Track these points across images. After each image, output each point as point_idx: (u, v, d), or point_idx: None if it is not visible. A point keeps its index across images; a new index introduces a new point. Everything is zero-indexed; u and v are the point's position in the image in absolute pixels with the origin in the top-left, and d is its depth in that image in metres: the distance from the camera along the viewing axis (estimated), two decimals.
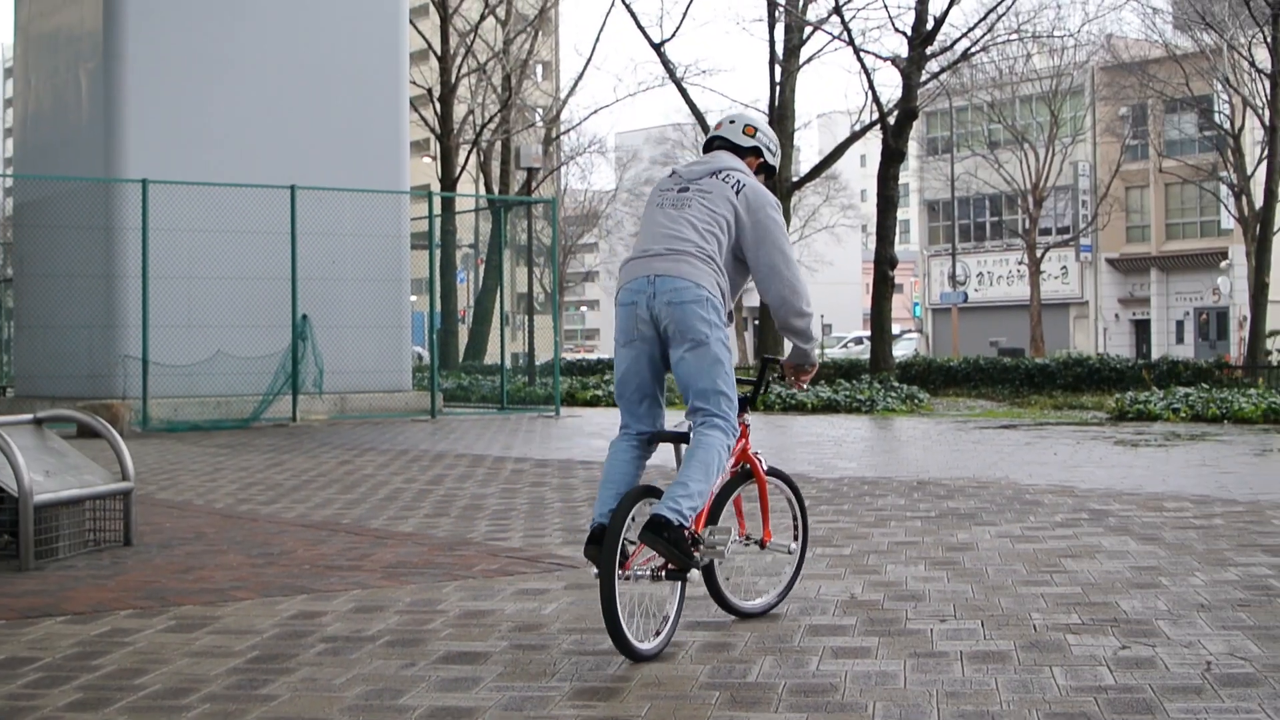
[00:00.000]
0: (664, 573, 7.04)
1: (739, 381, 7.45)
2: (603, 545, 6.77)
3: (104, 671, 6.85)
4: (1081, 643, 7.06)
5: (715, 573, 7.54)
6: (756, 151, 7.71)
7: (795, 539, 7.96)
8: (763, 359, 8.03)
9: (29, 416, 11.28)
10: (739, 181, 7.38)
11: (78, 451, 11.43)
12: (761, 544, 7.71)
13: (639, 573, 6.97)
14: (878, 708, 5.98)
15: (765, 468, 7.73)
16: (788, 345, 7.60)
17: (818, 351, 7.87)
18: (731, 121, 7.74)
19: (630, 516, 6.91)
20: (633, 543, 6.94)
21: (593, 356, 45.65)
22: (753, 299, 64.50)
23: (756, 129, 7.74)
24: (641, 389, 7.29)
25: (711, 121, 53.52)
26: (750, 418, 7.63)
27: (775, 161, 7.82)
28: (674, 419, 7.42)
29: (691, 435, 7.23)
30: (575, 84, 62.43)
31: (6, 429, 10.34)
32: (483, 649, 7.18)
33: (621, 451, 7.32)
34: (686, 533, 6.85)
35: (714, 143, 7.69)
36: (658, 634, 7.04)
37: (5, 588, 9.22)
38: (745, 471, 7.64)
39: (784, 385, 30.03)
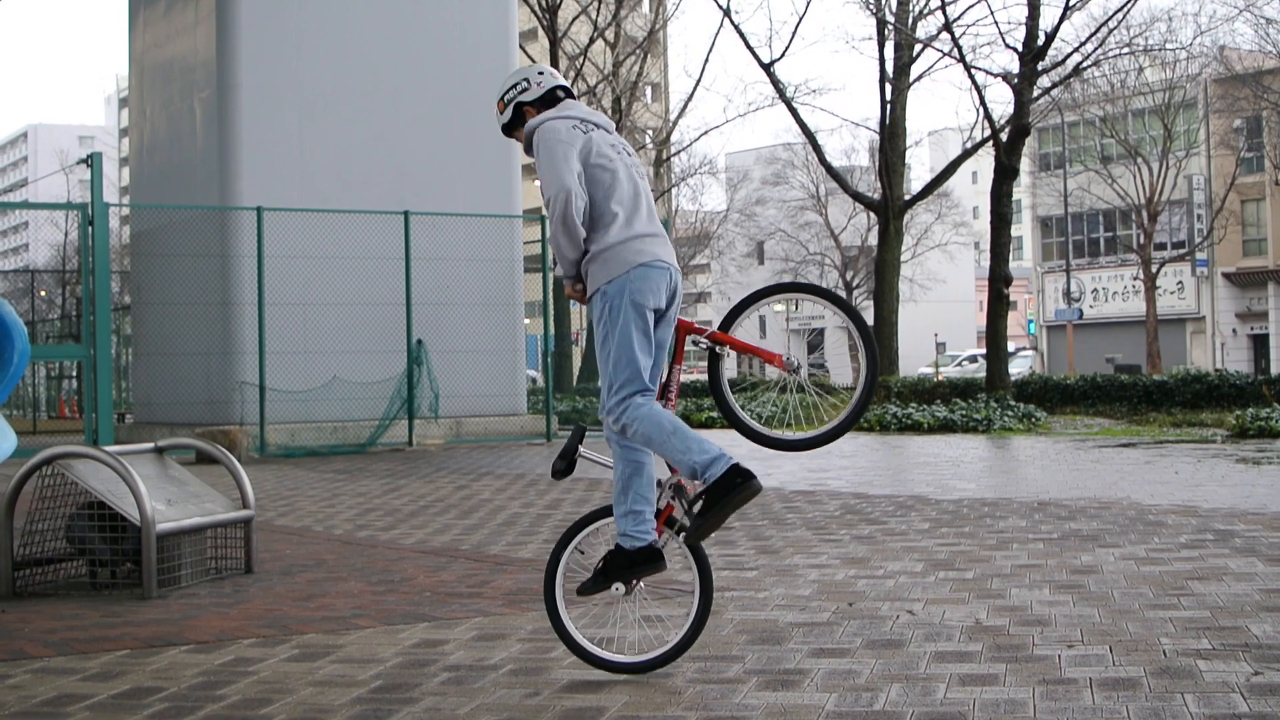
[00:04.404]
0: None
1: None
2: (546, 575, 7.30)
3: (229, 702, 6.87)
4: (1213, 668, 6.94)
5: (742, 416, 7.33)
6: None
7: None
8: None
9: (150, 445, 11.37)
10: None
11: (198, 479, 11.49)
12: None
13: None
14: None
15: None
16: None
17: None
18: (553, 73, 7.52)
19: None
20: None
21: (706, 377, 45.61)
22: None
23: None
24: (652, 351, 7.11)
25: (822, 140, 53.46)
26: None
27: None
28: None
29: (645, 404, 7.07)
30: (685, 105, 62.41)
31: (128, 458, 10.40)
32: (606, 677, 7.14)
33: (656, 405, 7.05)
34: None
35: (561, 92, 7.43)
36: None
37: (129, 616, 9.28)
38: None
39: None
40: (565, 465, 7.24)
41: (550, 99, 7.39)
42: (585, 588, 7.15)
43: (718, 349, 7.21)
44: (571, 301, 61.09)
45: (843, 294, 47.31)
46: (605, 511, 7.25)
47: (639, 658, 7.15)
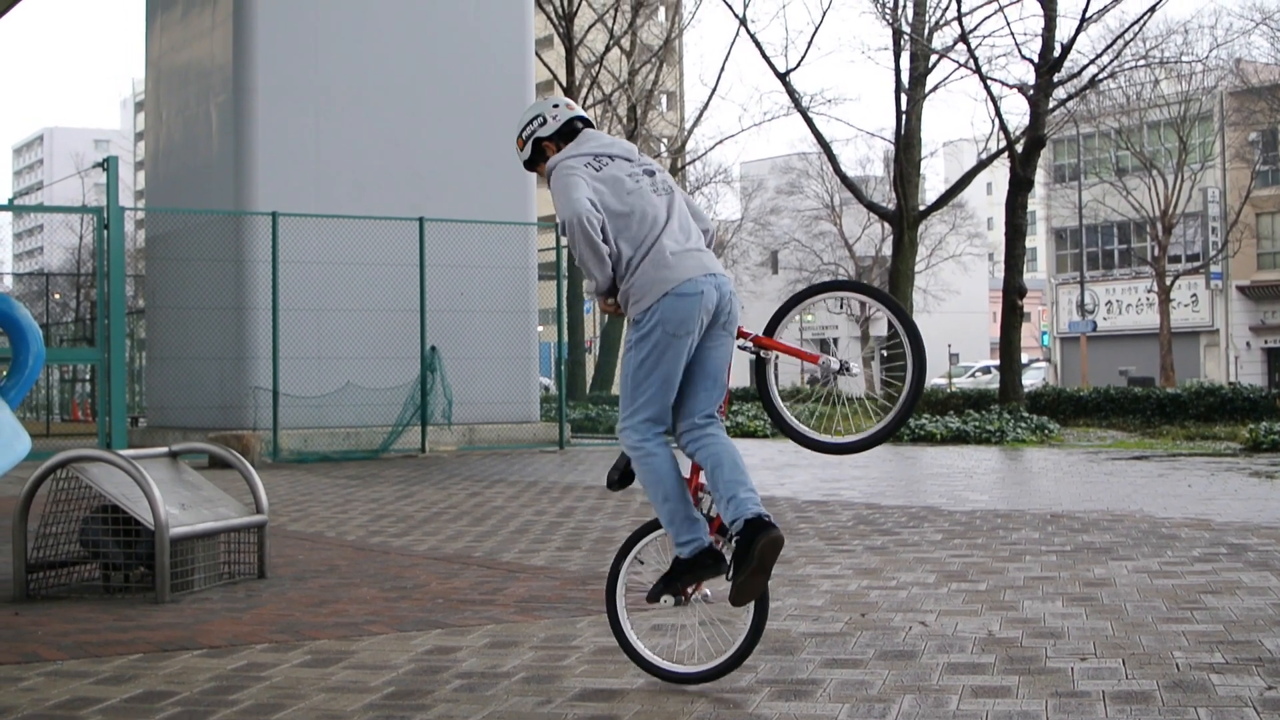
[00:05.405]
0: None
1: None
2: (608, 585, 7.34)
3: (241, 707, 6.87)
4: (1226, 683, 6.94)
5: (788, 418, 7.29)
6: None
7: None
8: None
9: (164, 450, 11.38)
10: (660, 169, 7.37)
11: (212, 484, 11.51)
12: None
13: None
14: None
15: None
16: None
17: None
18: (569, 105, 7.45)
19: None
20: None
21: (731, 385, 45.67)
22: None
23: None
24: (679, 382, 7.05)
25: (837, 150, 53.40)
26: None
27: None
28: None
29: (714, 438, 7.02)
30: (700, 114, 62.28)
31: (142, 462, 10.41)
32: (619, 686, 7.15)
33: (675, 463, 7.06)
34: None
35: (579, 123, 7.39)
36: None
37: (142, 620, 9.30)
38: None
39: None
40: (620, 476, 7.21)
41: (568, 131, 7.37)
42: (651, 594, 7.09)
43: (762, 354, 7.20)
44: (586, 309, 61.08)
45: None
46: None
47: (699, 668, 7.10)
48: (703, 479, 7.00)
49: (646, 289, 6.87)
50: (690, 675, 7.08)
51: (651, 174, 7.21)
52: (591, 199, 6.90)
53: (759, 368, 7.28)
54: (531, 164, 7.48)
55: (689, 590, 7.06)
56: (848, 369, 7.08)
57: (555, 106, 7.44)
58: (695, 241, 7.07)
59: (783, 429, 7.24)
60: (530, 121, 7.41)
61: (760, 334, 7.21)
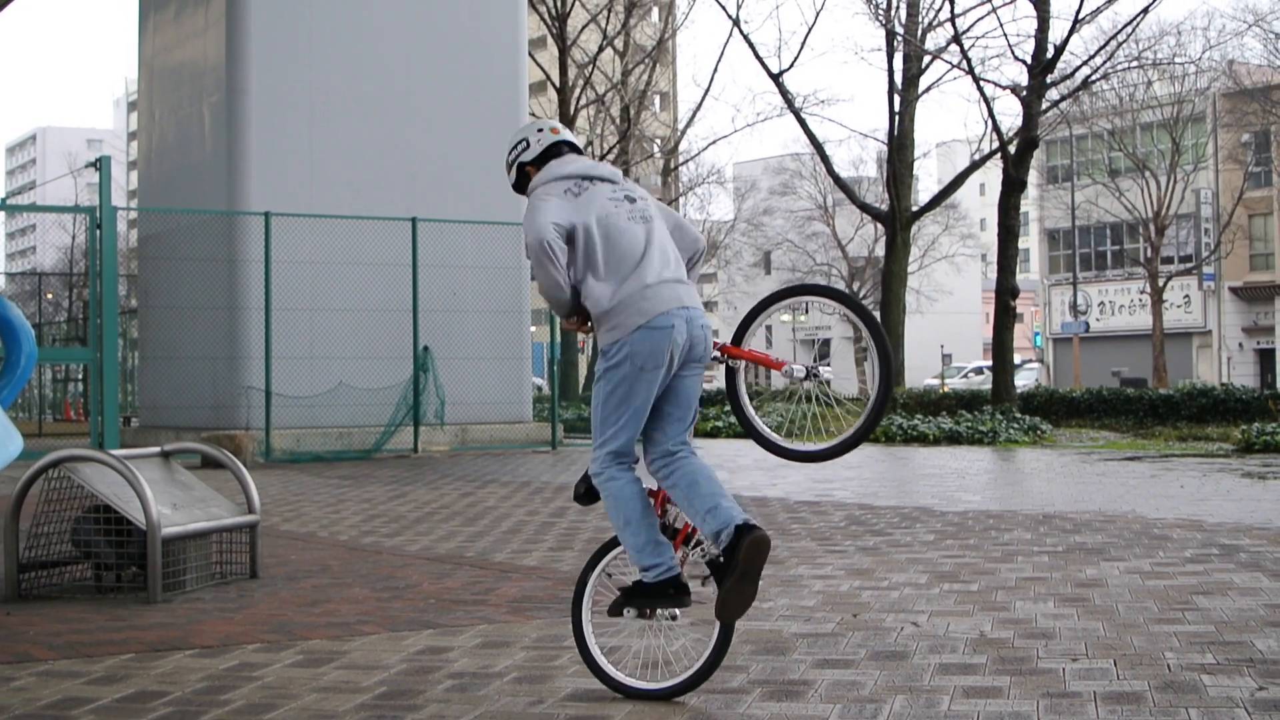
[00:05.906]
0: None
1: None
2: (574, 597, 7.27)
3: (233, 706, 6.87)
4: (1217, 683, 6.94)
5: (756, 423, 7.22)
6: None
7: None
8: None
9: (156, 449, 11.38)
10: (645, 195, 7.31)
11: (204, 484, 11.51)
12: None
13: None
14: None
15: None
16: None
17: None
18: (554, 129, 7.36)
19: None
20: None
21: (711, 386, 45.38)
22: None
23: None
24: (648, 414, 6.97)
25: (830, 151, 53.40)
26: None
27: None
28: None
29: (687, 460, 6.91)
30: (693, 115, 62.42)
31: (134, 462, 10.41)
32: None
33: (639, 487, 6.94)
34: None
35: (564, 147, 7.28)
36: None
37: (134, 620, 9.30)
38: None
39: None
40: (586, 490, 7.12)
41: (554, 155, 7.25)
42: (612, 608, 7.01)
43: (731, 362, 7.16)
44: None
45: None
46: None
47: (661, 684, 6.98)
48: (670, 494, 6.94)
49: (619, 320, 6.77)
50: (648, 691, 6.98)
51: (632, 200, 7.09)
52: (557, 222, 6.80)
53: (729, 376, 7.22)
54: (519, 188, 7.36)
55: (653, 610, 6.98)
56: (815, 374, 7.04)
57: (540, 131, 7.34)
58: (674, 271, 6.96)
59: (753, 436, 7.18)
60: (515, 146, 7.32)
61: (729, 343, 7.17)
